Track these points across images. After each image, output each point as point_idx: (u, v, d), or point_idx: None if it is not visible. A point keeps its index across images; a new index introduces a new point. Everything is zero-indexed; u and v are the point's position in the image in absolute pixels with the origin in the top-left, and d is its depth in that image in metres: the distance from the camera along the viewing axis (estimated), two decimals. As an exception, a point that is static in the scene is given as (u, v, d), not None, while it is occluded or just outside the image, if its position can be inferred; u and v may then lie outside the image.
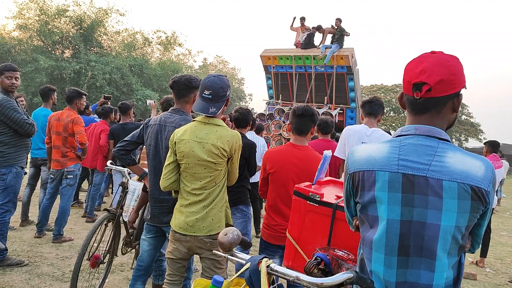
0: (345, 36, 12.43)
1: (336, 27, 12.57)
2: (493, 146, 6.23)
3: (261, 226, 3.41)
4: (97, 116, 7.62)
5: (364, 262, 1.44)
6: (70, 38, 28.35)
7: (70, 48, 29.32)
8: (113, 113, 7.19)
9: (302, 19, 13.69)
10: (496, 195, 14.76)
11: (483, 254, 6.03)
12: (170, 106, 4.44)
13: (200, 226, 2.61)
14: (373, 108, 3.77)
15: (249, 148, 3.99)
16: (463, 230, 1.31)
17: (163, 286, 2.81)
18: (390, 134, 8.98)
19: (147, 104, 7.95)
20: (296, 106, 3.11)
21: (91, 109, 7.91)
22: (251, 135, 5.62)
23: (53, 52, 28.22)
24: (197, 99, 2.69)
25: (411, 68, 1.41)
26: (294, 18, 13.99)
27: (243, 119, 4.27)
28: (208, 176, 2.59)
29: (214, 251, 1.82)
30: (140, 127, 3.10)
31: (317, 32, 13.30)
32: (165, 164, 2.69)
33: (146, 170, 3.37)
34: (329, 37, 13.12)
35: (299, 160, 2.99)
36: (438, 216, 1.29)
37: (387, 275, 1.33)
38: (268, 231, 3.04)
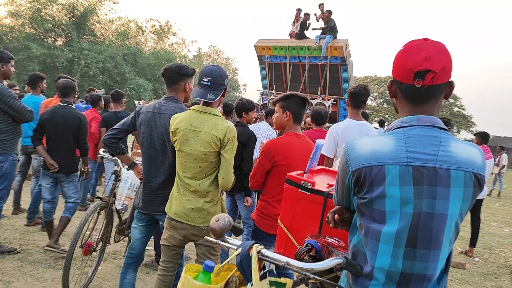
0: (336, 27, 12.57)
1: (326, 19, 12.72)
2: (483, 138, 6.28)
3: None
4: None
5: (358, 254, 1.41)
6: (62, 26, 28.04)
7: (63, 36, 28.99)
8: (102, 101, 7.11)
9: (298, 10, 13.66)
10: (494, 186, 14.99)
11: (472, 244, 6.12)
12: (65, 92, 4.52)
13: (195, 216, 2.62)
14: (361, 99, 3.63)
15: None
16: (463, 216, 1.34)
17: (157, 273, 2.83)
18: (384, 125, 8.99)
19: (135, 104, 7.95)
20: (306, 97, 3.03)
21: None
22: (266, 126, 5.70)
23: (45, 40, 27.90)
24: (195, 87, 2.68)
25: (411, 55, 1.35)
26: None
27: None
28: (197, 167, 2.60)
29: (205, 237, 1.84)
30: (132, 115, 3.04)
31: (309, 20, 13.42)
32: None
33: (137, 159, 3.37)
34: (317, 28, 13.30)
35: (305, 149, 2.97)
36: (445, 206, 1.28)
37: (393, 265, 1.31)
38: (267, 221, 2.98)
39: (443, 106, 1.45)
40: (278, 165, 2.96)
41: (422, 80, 1.32)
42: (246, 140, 4.27)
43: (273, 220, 2.94)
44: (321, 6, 13.04)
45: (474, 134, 6.57)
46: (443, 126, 1.37)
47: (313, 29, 13.24)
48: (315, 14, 13.22)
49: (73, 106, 4.57)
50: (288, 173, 2.22)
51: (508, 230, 8.62)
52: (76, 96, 5.52)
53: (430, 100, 1.38)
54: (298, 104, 3.02)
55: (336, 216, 1.54)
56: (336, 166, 2.69)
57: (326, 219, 1.59)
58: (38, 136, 4.39)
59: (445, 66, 1.32)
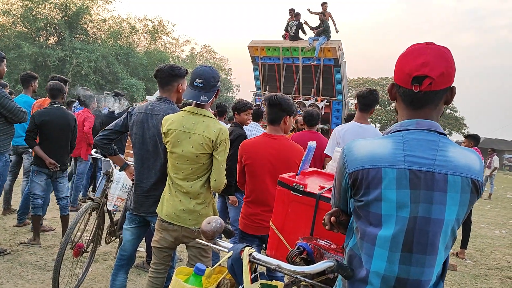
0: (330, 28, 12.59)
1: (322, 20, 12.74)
2: (476, 140, 6.32)
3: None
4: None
5: (354, 258, 1.40)
6: (54, 25, 27.75)
7: (55, 35, 28.71)
8: (95, 101, 7.09)
9: (291, 11, 13.65)
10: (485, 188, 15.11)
11: (464, 245, 6.16)
12: (54, 94, 4.57)
13: (186, 218, 2.61)
14: (365, 102, 3.64)
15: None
16: (460, 222, 1.33)
17: (148, 275, 2.81)
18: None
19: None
20: (267, 96, 3.06)
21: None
22: (256, 126, 5.69)
23: (37, 39, 27.62)
24: (187, 88, 2.66)
25: (409, 60, 1.34)
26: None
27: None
28: (189, 168, 2.59)
29: (197, 240, 1.83)
30: (124, 116, 3.02)
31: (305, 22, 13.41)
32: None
33: (129, 160, 3.35)
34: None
35: (275, 150, 2.97)
36: (442, 211, 1.27)
37: (388, 270, 1.30)
38: (245, 221, 3.05)
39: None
40: (245, 165, 3.05)
41: (420, 85, 1.31)
42: (235, 139, 4.29)
43: (249, 220, 3.03)
44: (324, 5, 12.93)
45: (465, 136, 6.59)
46: (442, 130, 1.37)
47: (310, 28, 13.17)
48: (318, 13, 13.06)
49: (64, 107, 4.75)
50: (280, 175, 2.22)
51: (499, 232, 8.69)
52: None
53: (429, 105, 1.37)
54: (268, 104, 3.04)
55: (332, 218, 1.53)
56: (329, 169, 2.70)
57: (323, 221, 1.58)
58: (34, 136, 4.49)
59: (444, 72, 1.30)
